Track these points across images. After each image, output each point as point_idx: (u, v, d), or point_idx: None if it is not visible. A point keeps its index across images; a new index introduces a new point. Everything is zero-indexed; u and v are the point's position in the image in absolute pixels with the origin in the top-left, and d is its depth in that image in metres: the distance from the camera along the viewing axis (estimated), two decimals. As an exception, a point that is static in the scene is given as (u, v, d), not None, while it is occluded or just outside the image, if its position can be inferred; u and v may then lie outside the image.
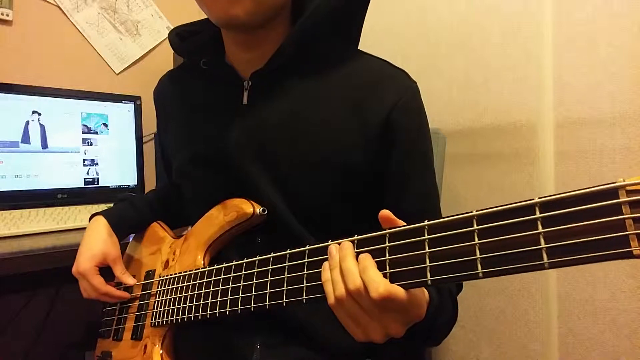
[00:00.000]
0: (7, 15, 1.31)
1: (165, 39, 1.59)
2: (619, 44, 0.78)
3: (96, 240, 0.71)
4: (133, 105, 1.38)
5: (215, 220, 0.62)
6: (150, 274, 0.70)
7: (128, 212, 0.77)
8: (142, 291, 0.70)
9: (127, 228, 0.77)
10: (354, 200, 0.59)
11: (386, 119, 0.56)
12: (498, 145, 0.98)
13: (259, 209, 0.58)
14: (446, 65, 1.08)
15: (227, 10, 0.54)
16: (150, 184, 1.42)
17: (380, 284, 0.38)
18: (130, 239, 0.81)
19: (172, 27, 1.56)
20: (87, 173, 1.30)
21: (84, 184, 1.29)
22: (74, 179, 1.28)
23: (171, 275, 0.65)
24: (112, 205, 0.82)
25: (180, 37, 0.68)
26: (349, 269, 0.40)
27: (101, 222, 0.73)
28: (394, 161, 0.58)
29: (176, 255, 0.68)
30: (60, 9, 1.40)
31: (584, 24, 0.83)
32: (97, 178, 1.32)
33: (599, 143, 0.82)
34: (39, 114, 1.22)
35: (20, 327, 1.28)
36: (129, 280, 0.70)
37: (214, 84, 0.66)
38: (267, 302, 0.48)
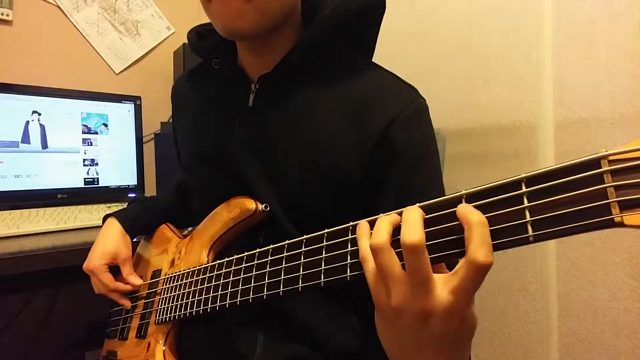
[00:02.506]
0: (7, 15, 1.31)
1: (165, 39, 1.59)
2: (619, 44, 0.78)
3: (110, 239, 0.72)
4: (133, 105, 1.39)
5: (220, 218, 0.63)
6: (156, 274, 0.71)
7: (140, 213, 0.78)
8: (148, 290, 0.71)
9: (139, 229, 0.78)
10: (352, 209, 0.58)
11: (384, 133, 0.55)
12: (498, 145, 0.98)
13: (261, 206, 0.58)
14: (446, 65, 1.08)
15: (232, 24, 0.54)
16: (150, 184, 1.42)
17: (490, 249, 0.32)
18: (139, 240, 0.81)
19: (172, 27, 1.58)
20: (87, 173, 1.30)
21: (84, 184, 1.30)
22: (74, 179, 1.28)
23: (175, 273, 0.65)
24: (117, 205, 0.82)
25: (200, 36, 0.68)
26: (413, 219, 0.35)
27: (115, 223, 0.74)
28: (394, 178, 0.56)
29: (182, 254, 0.68)
30: (60, 9, 1.40)
31: (584, 24, 0.83)
32: (97, 178, 1.32)
33: (599, 143, 0.82)
34: (39, 114, 1.23)
35: (20, 327, 1.28)
36: (136, 280, 0.71)
37: (223, 84, 0.67)
38: (265, 293, 0.48)
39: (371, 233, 0.38)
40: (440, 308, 0.33)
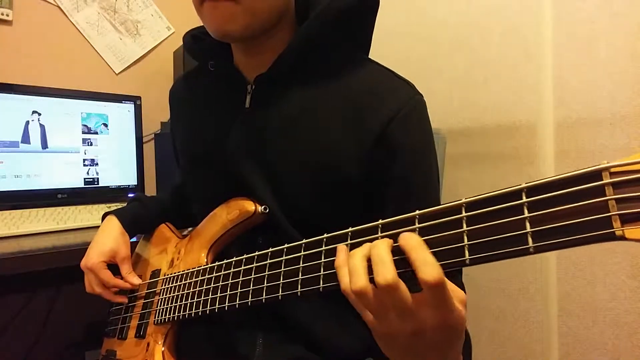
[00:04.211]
0: (7, 15, 1.31)
1: (165, 39, 1.59)
2: (619, 44, 0.78)
3: (108, 237, 0.71)
4: (133, 105, 1.38)
5: (219, 219, 0.63)
6: (155, 274, 0.71)
7: (140, 212, 0.78)
8: (147, 290, 0.71)
9: (138, 228, 0.78)
10: (351, 209, 0.58)
11: (383, 131, 0.55)
12: (498, 145, 0.98)
13: (260, 207, 0.58)
14: (446, 65, 1.08)
15: (223, 26, 0.54)
16: (150, 184, 1.42)
17: (435, 266, 0.33)
18: (139, 240, 0.81)
19: (172, 27, 1.58)
20: (87, 173, 1.30)
21: (84, 184, 1.30)
22: (74, 179, 1.28)
23: (175, 273, 0.65)
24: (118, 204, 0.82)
25: (196, 38, 0.68)
26: (381, 255, 0.36)
27: (114, 221, 0.74)
28: (394, 176, 0.56)
29: (181, 254, 0.68)
30: (60, 9, 1.40)
31: (584, 24, 0.83)
32: (97, 178, 1.32)
33: (599, 143, 0.82)
34: (39, 114, 1.23)
35: (20, 327, 1.28)
36: (134, 280, 0.71)
37: (220, 86, 0.67)
38: (264, 297, 0.48)
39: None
40: (428, 325, 0.35)
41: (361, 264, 0.37)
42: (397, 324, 0.35)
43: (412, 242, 0.35)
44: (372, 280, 0.36)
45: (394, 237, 0.38)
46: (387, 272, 0.34)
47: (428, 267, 0.33)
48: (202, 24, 0.68)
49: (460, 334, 0.38)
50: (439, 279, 0.33)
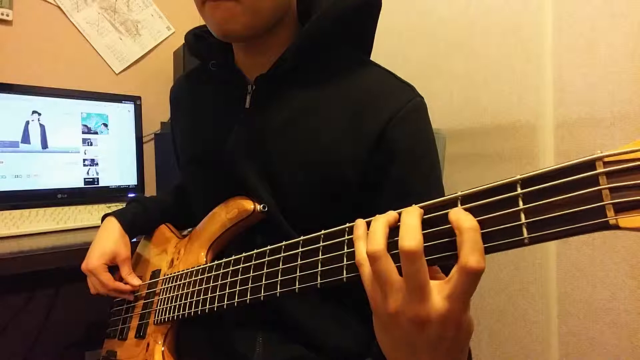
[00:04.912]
0: (7, 15, 1.31)
1: (165, 39, 1.59)
2: (619, 44, 0.78)
3: (108, 239, 0.71)
4: (133, 105, 1.39)
5: (218, 218, 0.63)
6: (155, 274, 0.71)
7: (140, 213, 0.78)
8: (147, 290, 0.71)
9: (138, 229, 0.78)
10: (350, 209, 0.57)
11: (382, 132, 0.55)
12: (498, 145, 0.98)
13: (259, 206, 0.59)
14: (446, 65, 1.08)
15: (225, 26, 0.54)
16: (150, 184, 1.42)
17: (483, 256, 0.32)
18: (139, 240, 0.81)
19: (172, 27, 1.58)
20: (87, 173, 1.30)
21: (84, 184, 1.30)
22: (74, 179, 1.28)
23: (174, 273, 0.65)
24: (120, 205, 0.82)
25: (198, 37, 0.68)
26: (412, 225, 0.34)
27: (114, 223, 0.74)
28: (393, 178, 0.56)
29: (180, 254, 0.69)
30: (60, 9, 1.40)
31: (584, 24, 0.83)
32: (97, 178, 1.32)
33: (599, 143, 0.82)
34: (39, 114, 1.23)
35: (20, 327, 1.28)
36: (135, 281, 0.71)
37: (221, 86, 0.67)
38: (262, 294, 0.48)
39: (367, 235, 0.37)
40: (435, 315, 0.33)
41: (382, 229, 0.35)
42: (403, 303, 0.33)
43: (471, 224, 0.32)
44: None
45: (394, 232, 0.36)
46: (414, 237, 0.32)
47: (478, 253, 0.31)
48: (203, 24, 0.68)
49: (464, 346, 0.36)
50: (482, 270, 0.31)
